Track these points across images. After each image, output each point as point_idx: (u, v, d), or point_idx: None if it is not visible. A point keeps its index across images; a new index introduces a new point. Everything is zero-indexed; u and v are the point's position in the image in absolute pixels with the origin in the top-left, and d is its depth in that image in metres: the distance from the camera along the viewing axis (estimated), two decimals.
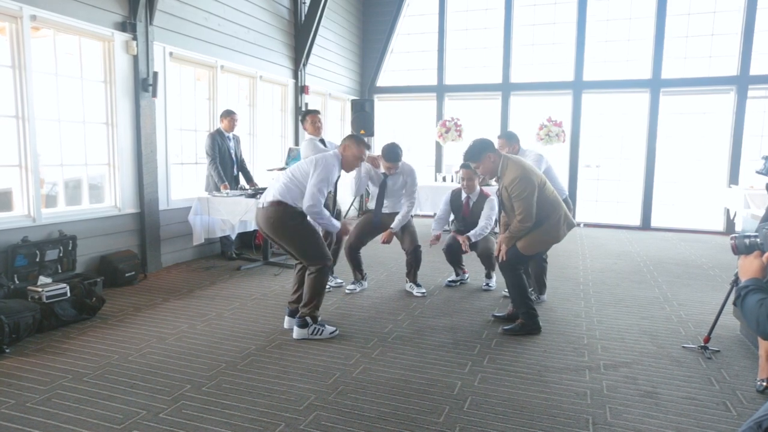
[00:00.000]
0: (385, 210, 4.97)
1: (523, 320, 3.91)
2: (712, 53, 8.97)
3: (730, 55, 8.81)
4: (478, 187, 5.09)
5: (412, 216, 4.99)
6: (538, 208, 3.76)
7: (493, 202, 4.95)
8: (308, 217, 3.75)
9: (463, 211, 5.17)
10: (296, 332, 3.75)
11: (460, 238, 4.93)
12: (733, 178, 8.78)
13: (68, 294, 4.03)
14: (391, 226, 4.84)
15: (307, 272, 3.78)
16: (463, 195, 5.13)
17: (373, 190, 5.02)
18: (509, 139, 4.89)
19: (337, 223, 3.83)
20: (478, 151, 3.79)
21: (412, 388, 2.99)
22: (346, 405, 2.79)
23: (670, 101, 9.27)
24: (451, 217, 5.41)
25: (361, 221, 5.09)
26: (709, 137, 9.26)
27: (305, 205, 3.62)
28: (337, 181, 4.20)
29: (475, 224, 4.99)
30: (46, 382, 3.00)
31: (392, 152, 4.70)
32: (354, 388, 2.99)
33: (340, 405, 2.79)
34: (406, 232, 4.93)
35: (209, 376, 3.11)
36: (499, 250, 3.95)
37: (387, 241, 4.90)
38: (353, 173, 4.69)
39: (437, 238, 5.06)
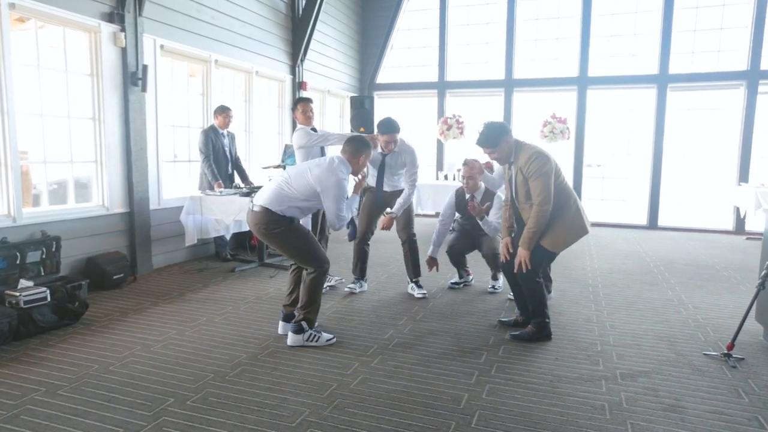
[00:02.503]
0: (385, 188, 4.76)
1: (533, 327, 3.66)
2: (721, 47, 8.72)
3: (740, 50, 8.55)
4: (482, 185, 4.78)
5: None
6: (555, 195, 3.52)
7: (502, 199, 4.65)
8: (298, 221, 3.53)
9: (468, 209, 4.89)
10: (291, 338, 3.50)
11: (473, 206, 4.63)
12: (743, 176, 8.52)
13: (48, 298, 3.79)
14: (392, 210, 4.65)
15: (305, 272, 3.55)
16: (467, 194, 4.87)
17: (373, 172, 4.78)
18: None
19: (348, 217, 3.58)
20: (496, 137, 3.55)
21: (414, 402, 2.75)
22: (343, 421, 2.55)
23: (677, 97, 9.02)
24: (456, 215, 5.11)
25: (364, 207, 4.84)
26: (718, 134, 9.01)
27: (334, 228, 3.52)
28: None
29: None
30: (17, 396, 2.76)
31: (387, 121, 4.49)
32: (352, 401, 2.75)
33: (336, 421, 2.55)
34: (403, 214, 4.71)
35: (195, 389, 2.87)
36: (516, 257, 3.61)
37: (387, 227, 4.69)
38: None
39: (432, 262, 4.81)
